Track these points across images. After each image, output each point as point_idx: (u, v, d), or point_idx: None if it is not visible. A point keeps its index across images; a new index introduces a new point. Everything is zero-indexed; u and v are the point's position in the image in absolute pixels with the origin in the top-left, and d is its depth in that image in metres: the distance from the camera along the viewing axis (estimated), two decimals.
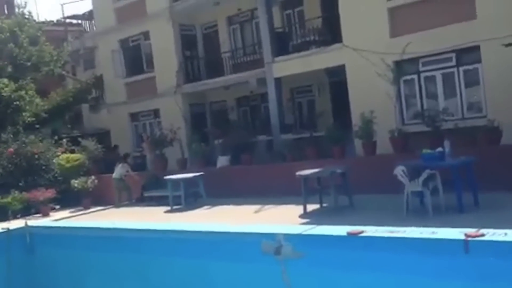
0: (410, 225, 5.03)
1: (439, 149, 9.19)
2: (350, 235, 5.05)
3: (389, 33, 13.02)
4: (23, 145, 17.06)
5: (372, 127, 12.08)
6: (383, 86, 12.37)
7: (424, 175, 8.70)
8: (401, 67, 12.73)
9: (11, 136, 17.45)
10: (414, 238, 4.61)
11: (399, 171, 8.92)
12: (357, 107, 13.12)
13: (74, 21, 28.48)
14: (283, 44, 15.76)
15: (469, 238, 3.85)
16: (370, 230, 5.04)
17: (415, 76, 12.99)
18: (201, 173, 14.04)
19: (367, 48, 13.03)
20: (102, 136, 20.99)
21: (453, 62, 12.36)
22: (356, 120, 12.82)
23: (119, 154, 16.81)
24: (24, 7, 22.45)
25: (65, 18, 27.82)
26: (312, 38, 15.26)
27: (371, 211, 9.36)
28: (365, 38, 13.23)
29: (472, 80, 12.23)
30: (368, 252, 4.92)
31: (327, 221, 6.59)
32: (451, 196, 8.70)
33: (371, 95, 12.83)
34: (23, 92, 18.60)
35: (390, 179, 9.19)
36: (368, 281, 4.88)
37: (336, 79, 15.67)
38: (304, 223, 8.72)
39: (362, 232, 5.04)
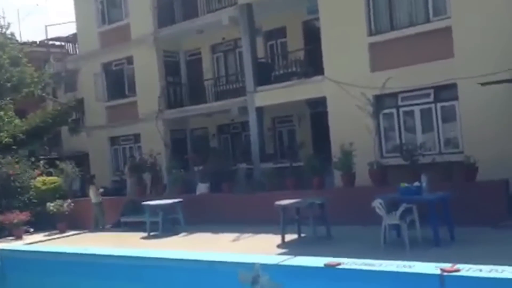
0: (387, 258, 5.08)
1: (416, 183, 9.32)
2: (328, 266, 5.06)
3: (370, 68, 13.28)
4: None
5: (352, 159, 12.20)
6: (363, 119, 12.56)
7: (401, 208, 8.81)
8: (380, 101, 12.97)
9: None
10: (391, 272, 4.65)
11: (377, 203, 9.00)
12: (337, 138, 13.25)
13: (57, 43, 28.46)
14: (265, 74, 15.94)
15: (445, 273, 3.90)
16: (348, 262, 5.06)
17: (394, 110, 13.22)
18: (180, 199, 13.94)
19: (348, 81, 13.26)
20: (81, 159, 20.77)
21: (431, 98, 12.63)
22: (335, 151, 12.94)
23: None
24: (7, 28, 22.34)
25: (48, 40, 27.79)
26: (294, 69, 15.47)
27: (349, 243, 9.39)
28: (346, 71, 13.47)
29: (449, 116, 12.49)
30: (344, 284, 4.93)
31: (305, 251, 6.59)
32: (428, 229, 8.80)
33: (351, 127, 13.00)
34: (1, 113, 18.38)
35: (368, 211, 9.25)
36: None
37: (317, 110, 15.87)
38: (282, 253, 8.69)
39: (339, 264, 5.06)
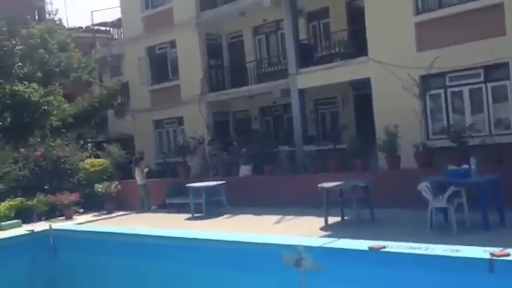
0: (433, 242, 4.96)
1: (465, 165, 9.05)
2: (372, 249, 5.00)
3: (416, 47, 12.92)
4: (50, 148, 17.38)
5: (397, 141, 11.96)
6: (409, 100, 12.25)
7: (449, 191, 8.57)
8: (427, 82, 12.59)
9: (39, 139, 17.79)
10: (437, 256, 4.54)
11: (423, 186, 8.80)
12: (381, 120, 13.03)
13: (103, 28, 29.07)
14: (307, 56, 15.77)
15: (494, 257, 3.78)
16: (392, 246, 4.99)
17: (441, 91, 12.84)
18: (223, 181, 14.09)
19: (393, 61, 12.95)
20: (126, 142, 21.26)
21: (481, 78, 12.19)
22: (380, 133, 12.72)
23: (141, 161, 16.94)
24: (55, 14, 23.00)
25: (94, 25, 28.43)
26: (337, 50, 15.25)
27: (393, 226, 9.24)
28: (391, 51, 13.15)
29: (500, 96, 12.04)
30: (389, 268, 4.86)
31: (348, 234, 6.53)
32: (477, 213, 8.54)
33: (396, 108, 12.72)
34: (51, 97, 18.97)
35: (413, 194, 9.08)
36: None
37: (361, 91, 15.61)
38: (325, 236, 8.66)
39: (384, 247, 4.98)
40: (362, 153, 12.63)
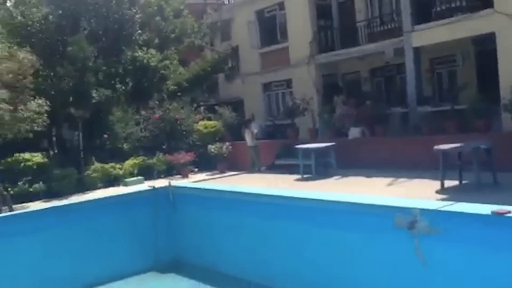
0: None
1: None
2: (496, 214, 4.69)
3: None
4: (167, 111, 18.40)
5: None
6: None
7: None
8: None
9: (157, 103, 18.89)
10: None
11: None
12: (507, 79, 11.96)
13: None
14: (424, 11, 14.78)
15: None
16: None
17: None
18: (333, 143, 13.97)
19: None
20: (236, 105, 21.83)
21: None
22: (505, 92, 11.71)
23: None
24: None
25: None
26: (458, 3, 14.10)
27: None
28: None
29: None
30: None
31: (467, 198, 6.17)
32: None
33: None
34: (168, 62, 19.91)
35: None
36: (511, 263, 4.50)
37: (483, 48, 14.40)
38: (441, 199, 8.27)
39: (509, 212, 4.65)
40: (484, 113, 11.75)
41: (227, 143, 17.58)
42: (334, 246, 6.33)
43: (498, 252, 4.62)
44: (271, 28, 20.75)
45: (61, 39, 16.67)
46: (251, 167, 16.40)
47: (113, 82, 18.70)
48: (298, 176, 13.69)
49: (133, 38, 18.67)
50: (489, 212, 4.76)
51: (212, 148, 17.43)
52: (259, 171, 16.10)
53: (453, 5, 14.21)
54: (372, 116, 14.51)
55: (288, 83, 20.08)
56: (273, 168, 15.88)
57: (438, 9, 14.64)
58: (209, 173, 16.94)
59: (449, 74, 16.80)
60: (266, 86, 21.34)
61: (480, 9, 13.23)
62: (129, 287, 7.87)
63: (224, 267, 7.85)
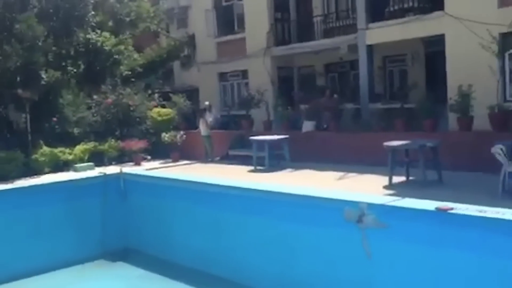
0: (505, 206, 4.79)
1: None
2: (439, 210, 4.90)
3: (498, 3, 12.07)
4: (120, 96, 18.01)
5: (470, 101, 11.42)
6: (485, 59, 11.56)
7: None
8: (508, 40, 11.80)
9: (110, 87, 18.46)
10: (508, 220, 4.40)
11: (497, 149, 8.43)
12: (455, 80, 12.44)
13: None
14: (378, 10, 15.13)
15: None
16: (461, 208, 4.86)
17: None
18: (286, 136, 14.12)
19: (471, 17, 12.20)
20: (191, 94, 21.64)
21: None
22: (452, 93, 12.18)
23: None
24: None
25: None
26: (410, 4, 14.52)
27: (462, 189, 8.93)
28: (469, 7, 12.38)
29: None
30: (456, 230, 4.76)
31: (413, 194, 6.42)
32: None
33: (471, 68, 12.09)
34: (122, 47, 19.46)
35: (485, 157, 8.73)
36: (453, 259, 4.74)
37: (433, 49, 14.90)
38: (388, 194, 8.55)
39: (452, 208, 4.87)
40: (432, 112, 12.19)
41: (181, 132, 17.44)
42: (279, 238, 6.45)
43: (442, 246, 4.84)
44: (228, 18, 20.65)
45: (9, 16, 15.96)
46: (205, 157, 16.36)
47: (64, 64, 18.09)
48: (251, 168, 13.77)
49: (86, 19, 18.09)
50: (433, 208, 4.98)
51: (166, 136, 17.24)
52: (212, 161, 16.08)
53: (405, 5, 14.63)
54: (330, 108, 14.79)
55: (244, 74, 20.09)
56: (226, 159, 15.90)
57: (392, 9, 15.02)
58: (162, 161, 16.76)
59: (400, 73, 17.29)
60: (222, 76, 21.28)
61: (431, 11, 13.67)
62: (74, 275, 7.71)
63: (175, 256, 7.85)
